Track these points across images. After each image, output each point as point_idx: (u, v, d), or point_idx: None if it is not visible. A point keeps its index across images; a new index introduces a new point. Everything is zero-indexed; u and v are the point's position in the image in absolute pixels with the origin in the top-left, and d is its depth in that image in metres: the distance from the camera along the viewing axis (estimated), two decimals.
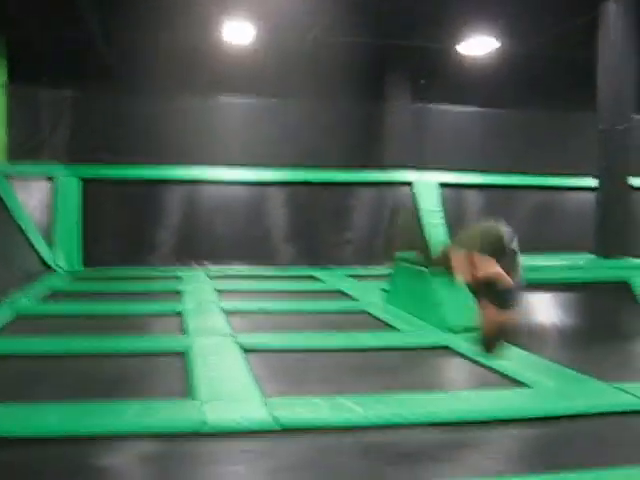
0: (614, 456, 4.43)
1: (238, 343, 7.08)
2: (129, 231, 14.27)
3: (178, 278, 12.56)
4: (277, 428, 4.71)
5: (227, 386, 5.56)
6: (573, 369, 6.23)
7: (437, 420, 4.91)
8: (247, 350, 6.85)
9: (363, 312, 9.43)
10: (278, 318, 8.92)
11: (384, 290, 10.07)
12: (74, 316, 8.78)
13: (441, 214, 15.11)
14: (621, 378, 5.98)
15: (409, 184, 15.54)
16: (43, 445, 4.38)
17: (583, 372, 6.14)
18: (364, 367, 6.52)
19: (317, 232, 15.11)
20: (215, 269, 13.92)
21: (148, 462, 4.25)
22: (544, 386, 5.77)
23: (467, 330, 7.72)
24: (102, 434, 4.58)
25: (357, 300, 10.33)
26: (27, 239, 12.64)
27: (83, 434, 4.56)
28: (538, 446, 4.61)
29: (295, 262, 14.69)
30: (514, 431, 4.83)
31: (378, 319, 8.87)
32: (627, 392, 5.54)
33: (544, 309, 8.41)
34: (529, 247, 14.00)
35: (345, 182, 15.32)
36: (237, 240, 14.58)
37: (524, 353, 6.84)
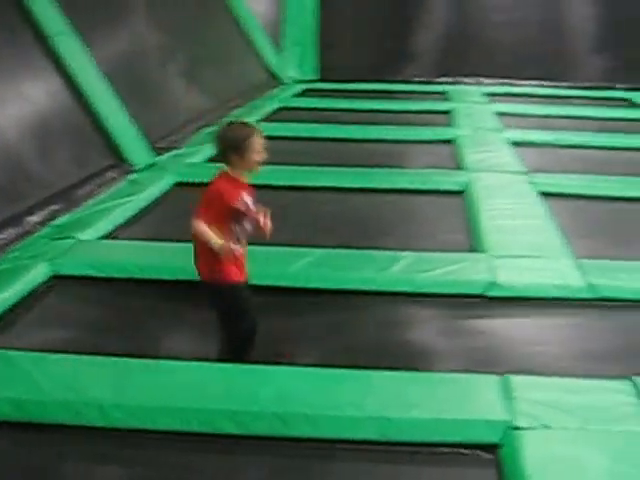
0: None
1: (534, 184, 7.03)
2: (379, 33, 14.36)
3: (444, 95, 12.63)
4: (592, 297, 4.66)
5: (523, 239, 5.54)
6: None
7: None
8: (546, 194, 6.80)
9: None
10: (583, 155, 8.72)
11: None
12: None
13: None
14: None
15: None
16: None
17: None
18: None
19: None
20: (493, 87, 13.67)
21: (421, 330, 4.42)
22: None
23: None
24: (361, 290, 4.82)
25: None
26: (250, 42, 13.02)
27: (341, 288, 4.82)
28: None
29: (605, 79, 14.09)
30: None
31: None
32: None
33: None
34: None
35: None
36: (525, 48, 14.21)
37: None
